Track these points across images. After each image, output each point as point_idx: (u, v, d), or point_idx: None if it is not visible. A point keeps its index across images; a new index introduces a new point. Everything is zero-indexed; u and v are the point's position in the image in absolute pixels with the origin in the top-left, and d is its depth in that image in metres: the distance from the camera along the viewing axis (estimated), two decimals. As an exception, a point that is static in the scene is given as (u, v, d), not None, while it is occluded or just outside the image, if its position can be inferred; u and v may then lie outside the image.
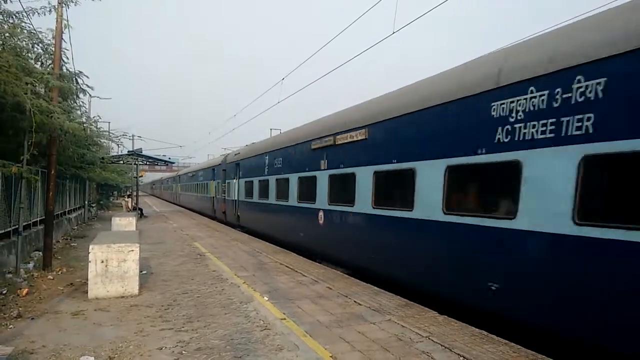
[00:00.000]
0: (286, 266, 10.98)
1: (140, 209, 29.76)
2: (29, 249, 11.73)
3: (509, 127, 5.84)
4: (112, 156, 27.76)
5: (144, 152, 29.59)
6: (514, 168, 5.70)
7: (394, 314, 6.87)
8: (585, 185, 4.90)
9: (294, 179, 13.42)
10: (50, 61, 11.03)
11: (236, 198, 20.45)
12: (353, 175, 9.74)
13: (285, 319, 6.62)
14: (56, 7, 10.51)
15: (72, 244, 15.14)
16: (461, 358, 5.10)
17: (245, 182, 18.91)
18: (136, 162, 29.77)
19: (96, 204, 31.60)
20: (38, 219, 13.04)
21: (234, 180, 20.84)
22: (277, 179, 14.99)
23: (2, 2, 9.26)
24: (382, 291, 8.45)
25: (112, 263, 7.84)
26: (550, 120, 5.28)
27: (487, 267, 6.16)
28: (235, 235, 18.02)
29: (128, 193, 39.39)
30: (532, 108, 5.54)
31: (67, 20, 10.78)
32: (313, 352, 5.29)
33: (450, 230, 6.88)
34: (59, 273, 10.05)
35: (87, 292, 7.79)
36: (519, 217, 5.66)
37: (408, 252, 8.02)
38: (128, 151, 28.30)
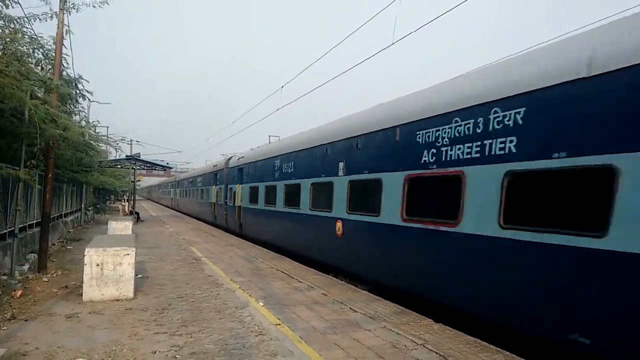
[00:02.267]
0: (282, 272, 10.97)
1: (137, 213, 29.69)
2: (25, 251, 11.69)
3: None
4: (110, 160, 27.76)
5: (142, 157, 29.60)
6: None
7: (389, 321, 6.87)
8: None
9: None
10: (50, 66, 11.07)
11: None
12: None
13: (280, 324, 6.61)
14: (57, 13, 10.59)
15: (67, 247, 15.09)
16: (455, 366, 5.11)
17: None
18: (134, 167, 29.76)
19: (93, 207, 31.51)
20: (34, 221, 13.01)
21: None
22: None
23: (4, 7, 9.31)
24: (378, 298, 8.45)
25: (108, 266, 7.83)
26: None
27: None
28: (231, 241, 17.98)
29: (126, 197, 39.34)
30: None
31: (68, 26, 10.86)
32: (307, 358, 5.28)
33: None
34: (54, 275, 10.02)
35: (81, 295, 7.77)
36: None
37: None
38: (126, 156, 28.31)
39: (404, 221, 7.92)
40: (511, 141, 5.87)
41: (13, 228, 10.23)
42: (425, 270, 7.52)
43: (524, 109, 5.73)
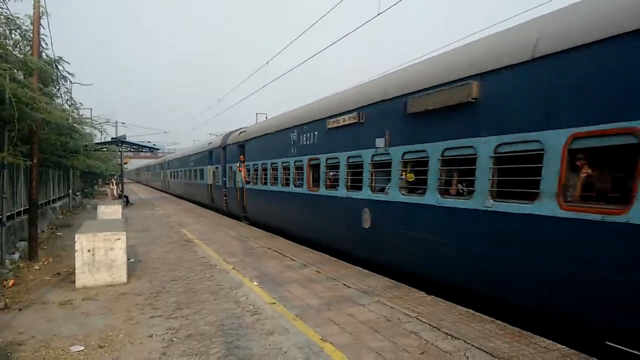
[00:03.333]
0: (275, 251, 11.02)
1: (126, 197, 29.44)
2: (14, 240, 11.54)
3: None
4: (96, 143, 27.30)
5: (128, 139, 29.15)
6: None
7: (382, 296, 6.97)
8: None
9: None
10: (29, 47, 10.72)
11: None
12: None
13: (275, 303, 6.68)
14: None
15: (57, 234, 14.97)
16: (449, 337, 5.22)
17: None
18: (120, 149, 29.35)
19: (81, 192, 31.15)
20: (22, 208, 12.81)
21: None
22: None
23: None
24: (371, 274, 8.56)
25: (99, 252, 7.79)
26: None
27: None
28: (222, 221, 18.00)
29: (114, 180, 39.21)
30: None
31: (45, 7, 10.48)
32: (303, 335, 5.36)
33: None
34: (46, 263, 9.95)
35: (74, 282, 7.74)
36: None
37: None
38: (112, 138, 27.85)
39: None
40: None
41: (0, 216, 10.07)
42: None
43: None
